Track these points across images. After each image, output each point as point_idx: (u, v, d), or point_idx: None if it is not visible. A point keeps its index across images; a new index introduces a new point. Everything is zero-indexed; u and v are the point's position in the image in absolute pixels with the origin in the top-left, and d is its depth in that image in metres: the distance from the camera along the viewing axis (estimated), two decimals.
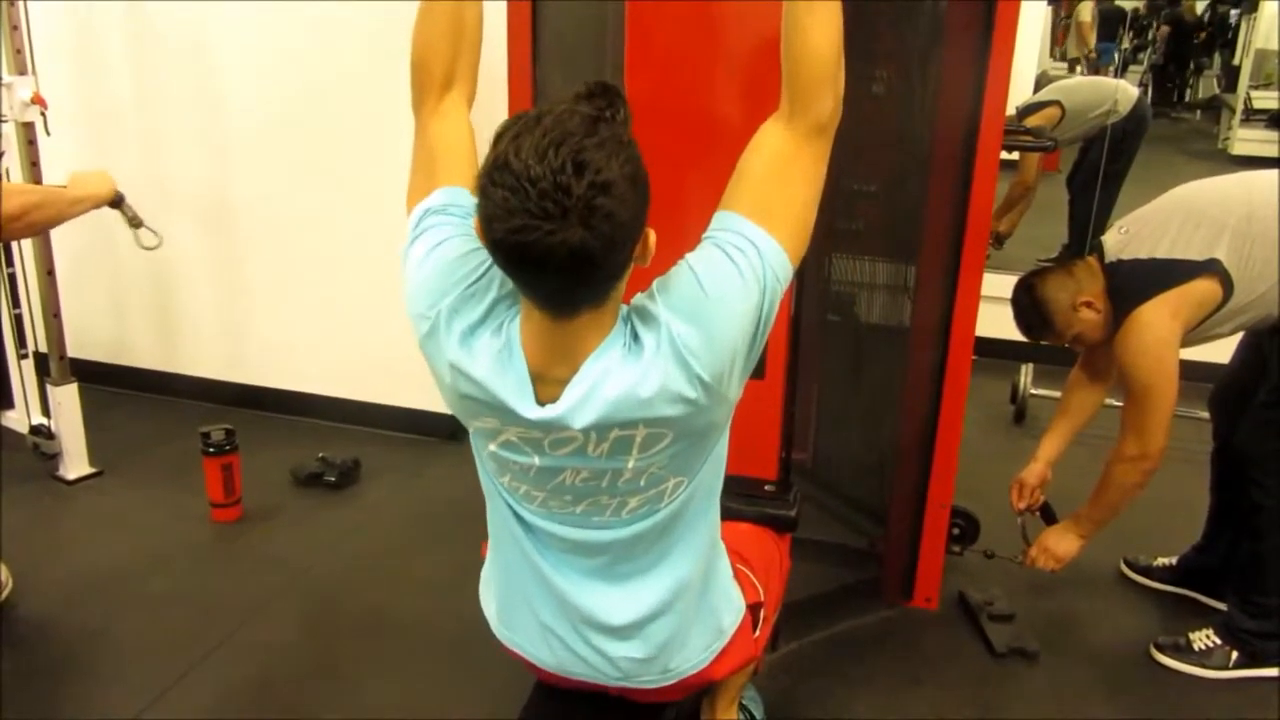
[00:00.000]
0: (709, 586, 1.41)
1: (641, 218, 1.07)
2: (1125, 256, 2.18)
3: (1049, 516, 2.49)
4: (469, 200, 1.21)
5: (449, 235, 1.22)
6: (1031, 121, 4.41)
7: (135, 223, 2.55)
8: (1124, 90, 4.57)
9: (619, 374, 1.13)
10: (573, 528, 1.30)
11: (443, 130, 1.31)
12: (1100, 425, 2.51)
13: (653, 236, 1.11)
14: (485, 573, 1.51)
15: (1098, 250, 2.25)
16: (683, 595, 1.36)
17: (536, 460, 1.22)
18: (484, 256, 1.18)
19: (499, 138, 1.03)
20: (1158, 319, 2.09)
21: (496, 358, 1.16)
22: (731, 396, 1.21)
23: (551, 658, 1.41)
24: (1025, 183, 4.65)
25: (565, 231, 0.99)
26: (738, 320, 1.15)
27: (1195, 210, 2.14)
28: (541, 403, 1.16)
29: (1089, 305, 2.22)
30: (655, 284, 1.19)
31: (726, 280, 1.16)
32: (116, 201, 2.43)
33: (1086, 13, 7.13)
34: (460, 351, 1.17)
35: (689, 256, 1.19)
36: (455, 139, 1.31)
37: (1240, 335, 2.33)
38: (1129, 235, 2.20)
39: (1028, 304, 2.32)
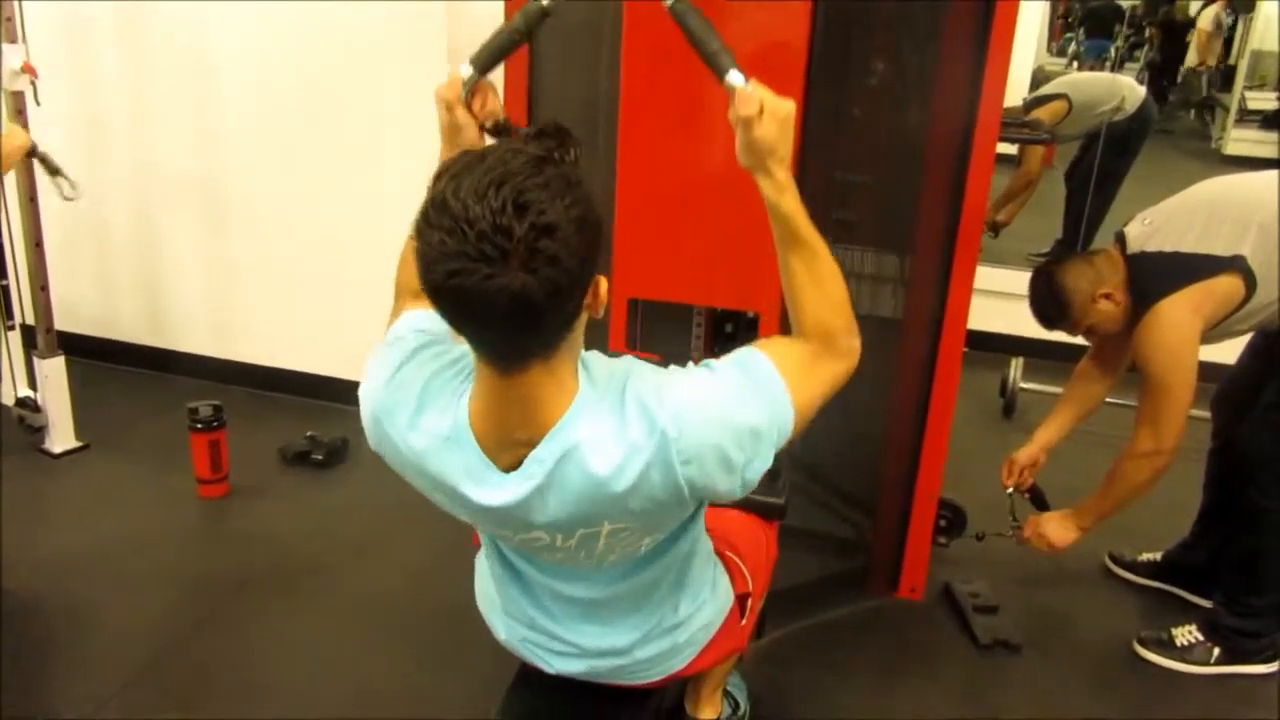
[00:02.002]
0: (696, 599, 1.42)
1: (590, 264, 1.01)
2: (1149, 249, 2.15)
3: (1039, 500, 2.49)
4: (428, 315, 1.19)
5: (393, 340, 1.21)
6: (1038, 114, 4.41)
7: (54, 171, 2.61)
8: (1132, 89, 4.56)
9: (594, 450, 1.08)
10: (556, 579, 1.33)
11: (416, 302, 1.27)
12: (1100, 422, 2.51)
13: (604, 284, 1.06)
14: (477, 566, 1.52)
15: (1119, 240, 2.22)
16: (666, 622, 1.39)
17: (514, 538, 1.23)
18: (417, 341, 1.17)
19: (438, 176, 0.98)
20: (1180, 314, 2.06)
21: (447, 437, 1.12)
22: (692, 509, 1.21)
23: (536, 660, 1.44)
24: (1030, 174, 4.63)
25: (505, 276, 0.92)
26: (735, 454, 1.11)
27: (1221, 206, 2.12)
28: (506, 468, 1.11)
29: (1108, 297, 2.18)
30: (669, 372, 1.14)
31: (742, 412, 1.12)
32: (33, 150, 2.55)
33: (1209, 20, 6.93)
34: (407, 433, 1.14)
35: (713, 363, 1.17)
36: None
37: (1247, 335, 2.32)
38: (1152, 227, 2.17)
39: (1046, 293, 2.27)
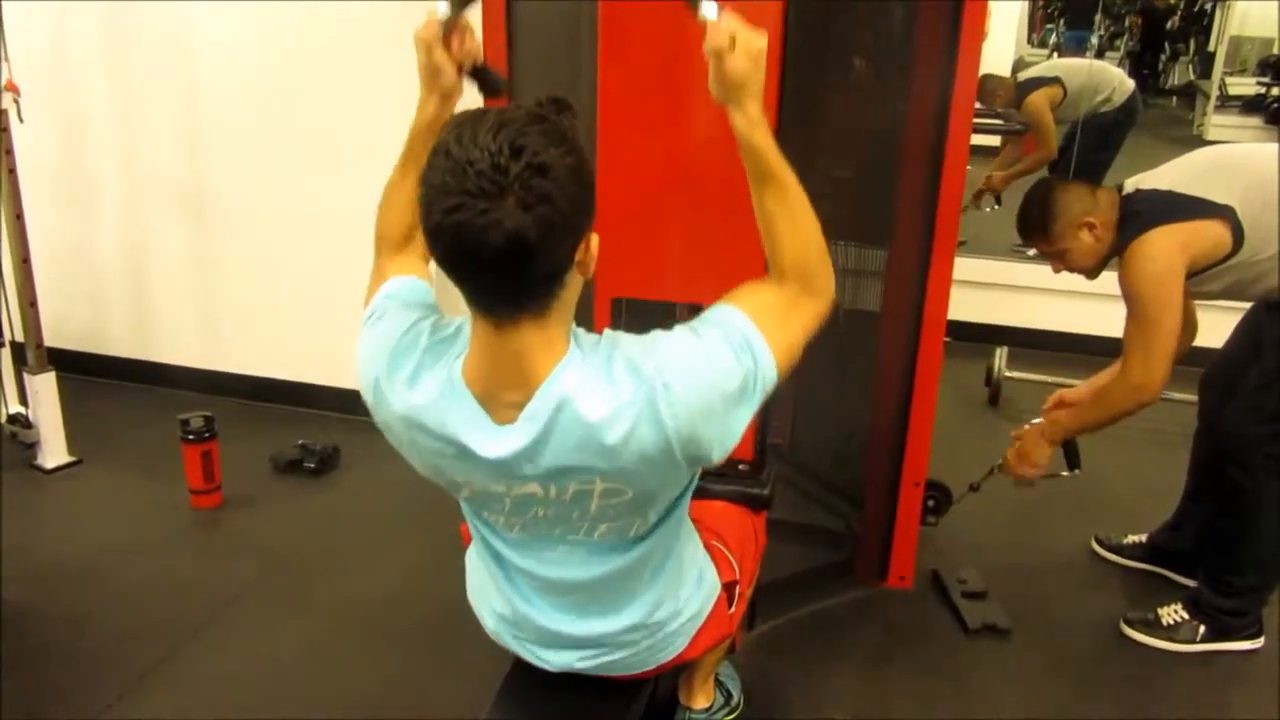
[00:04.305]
0: (681, 585, 1.44)
1: (583, 214, 1.05)
2: (1143, 187, 2.17)
3: (1071, 453, 2.47)
4: (413, 285, 1.28)
5: (385, 311, 1.25)
6: (1035, 98, 4.43)
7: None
8: (1122, 81, 4.59)
9: (585, 400, 1.11)
10: (546, 565, 1.33)
11: (397, 261, 1.35)
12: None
13: (595, 241, 1.10)
14: (467, 560, 1.54)
15: (1118, 187, 2.24)
16: (654, 615, 1.40)
17: (507, 503, 1.24)
18: (413, 317, 1.21)
19: (442, 130, 1.04)
20: (1167, 247, 2.06)
21: (442, 392, 1.15)
22: (684, 475, 1.23)
23: (524, 652, 1.46)
24: (1050, 154, 4.61)
25: (500, 212, 0.97)
26: (720, 407, 1.14)
27: (1217, 162, 2.16)
28: (498, 424, 1.15)
29: (1092, 228, 2.19)
30: (652, 335, 1.18)
31: (725, 369, 1.15)
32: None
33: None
34: (407, 392, 1.17)
35: (692, 325, 1.20)
36: (408, 267, 1.35)
37: (1236, 319, 2.35)
38: (1146, 176, 2.20)
39: (1040, 199, 2.27)
